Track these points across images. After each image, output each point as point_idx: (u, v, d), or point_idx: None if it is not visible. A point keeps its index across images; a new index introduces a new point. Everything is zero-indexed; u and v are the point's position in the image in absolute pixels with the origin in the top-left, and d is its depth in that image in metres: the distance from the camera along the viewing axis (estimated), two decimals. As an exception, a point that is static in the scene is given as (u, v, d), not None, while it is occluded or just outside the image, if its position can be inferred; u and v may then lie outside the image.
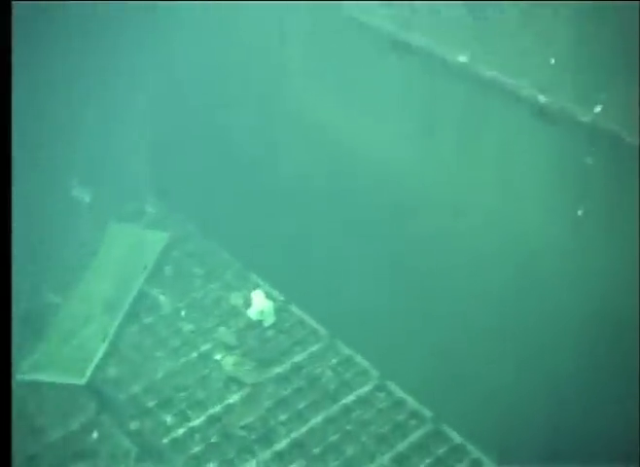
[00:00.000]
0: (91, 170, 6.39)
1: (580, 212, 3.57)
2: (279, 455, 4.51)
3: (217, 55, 5.25)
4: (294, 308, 5.38)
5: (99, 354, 4.96)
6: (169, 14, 5.41)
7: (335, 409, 4.75)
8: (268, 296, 5.41)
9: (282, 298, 5.44)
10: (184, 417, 4.69)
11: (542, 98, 3.54)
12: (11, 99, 3.61)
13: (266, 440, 4.58)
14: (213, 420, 4.68)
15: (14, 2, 3.86)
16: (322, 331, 5.22)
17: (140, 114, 6.04)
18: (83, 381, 4.81)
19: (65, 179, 6.22)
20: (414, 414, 4.72)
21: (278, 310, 5.36)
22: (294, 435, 4.60)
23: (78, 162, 6.35)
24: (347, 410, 4.76)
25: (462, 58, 3.78)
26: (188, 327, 5.25)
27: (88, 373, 4.85)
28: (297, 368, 5.01)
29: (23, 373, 4.85)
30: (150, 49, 5.59)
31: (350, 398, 4.82)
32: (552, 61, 3.47)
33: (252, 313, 5.31)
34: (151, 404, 4.75)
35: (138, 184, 6.32)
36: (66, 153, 6.12)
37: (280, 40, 4.74)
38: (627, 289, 3.50)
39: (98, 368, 4.91)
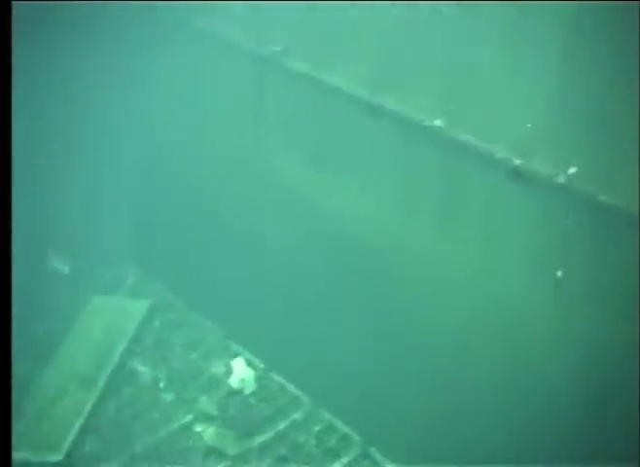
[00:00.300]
0: (70, 239, 6.36)
1: (559, 273, 3.56)
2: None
3: (196, 118, 5.26)
4: (275, 376, 5.30)
5: (75, 430, 4.82)
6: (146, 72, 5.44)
7: (319, 478, 4.65)
8: (249, 364, 5.34)
9: (263, 365, 5.36)
10: (164, 493, 4.57)
11: (517, 161, 3.57)
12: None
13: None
14: (195, 495, 4.57)
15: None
16: (304, 398, 5.13)
17: (122, 179, 6.04)
18: (59, 458, 4.68)
19: (43, 249, 6.18)
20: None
21: (259, 378, 5.28)
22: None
23: (56, 232, 6.32)
24: (332, 478, 4.65)
25: (438, 122, 3.81)
26: (168, 397, 5.14)
27: (65, 449, 4.71)
28: (279, 436, 4.89)
29: (-3, 450, 4.70)
30: (131, 111, 5.61)
31: (335, 466, 4.72)
32: (529, 126, 3.50)
33: (233, 382, 5.23)
34: (129, 480, 4.63)
35: (118, 252, 6.28)
36: (44, 222, 6.11)
37: (256, 106, 4.77)
38: (609, 351, 3.48)
39: (75, 444, 4.78)
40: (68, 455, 4.70)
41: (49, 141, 5.68)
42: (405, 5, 3.75)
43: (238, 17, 4.53)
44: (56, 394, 5.03)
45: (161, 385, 5.23)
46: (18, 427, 4.83)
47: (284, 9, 4.27)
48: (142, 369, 5.33)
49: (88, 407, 4.97)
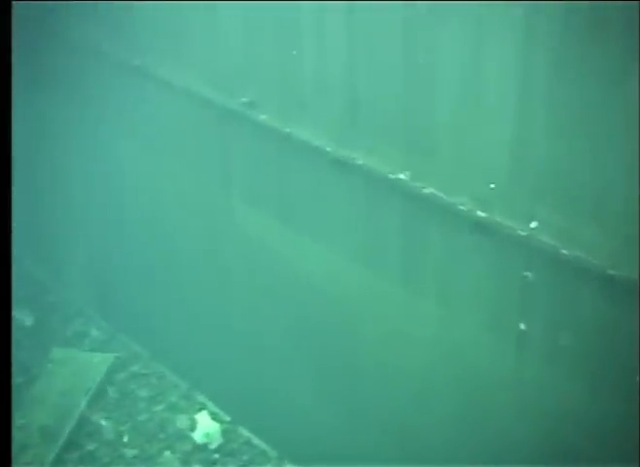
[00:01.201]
0: (34, 291, 6.30)
1: (522, 326, 3.58)
2: None
3: (162, 167, 5.25)
4: (241, 429, 5.23)
5: (34, 487, 4.73)
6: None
7: None
8: (215, 417, 5.28)
9: (228, 418, 5.30)
10: None
11: (480, 213, 3.60)
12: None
13: None
14: None
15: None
16: (270, 452, 5.07)
17: (86, 228, 6.01)
18: (16, 515, 4.56)
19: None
20: None
21: (225, 432, 5.22)
22: None
23: (19, 282, 6.25)
24: None
25: (402, 176, 3.84)
26: (131, 452, 5.06)
27: (23, 507, 4.61)
28: (244, 495, 4.84)
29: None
30: (97, 158, 5.61)
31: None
32: (492, 186, 3.54)
33: (198, 436, 5.16)
34: None
35: (82, 304, 6.22)
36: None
37: (221, 158, 4.78)
38: (568, 405, 3.49)
39: (36, 500, 4.69)
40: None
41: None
42: (370, 58, 3.80)
43: (202, 66, 4.56)
44: (19, 447, 4.95)
45: (125, 440, 5.15)
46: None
47: (251, 59, 4.31)
48: (105, 423, 5.24)
49: (49, 461, 4.89)
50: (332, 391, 4.62)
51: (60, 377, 5.48)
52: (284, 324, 4.74)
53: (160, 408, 5.39)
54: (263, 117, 4.35)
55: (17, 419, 5.14)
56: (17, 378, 5.48)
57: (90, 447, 5.09)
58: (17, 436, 5.00)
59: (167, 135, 5.05)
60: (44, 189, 6.20)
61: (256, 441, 5.14)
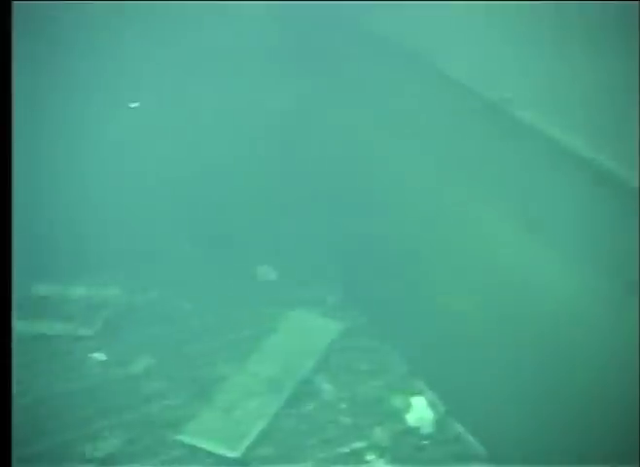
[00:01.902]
0: (279, 250, 6.70)
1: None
2: None
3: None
4: (454, 422, 5.25)
5: (256, 431, 5.05)
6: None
7: None
8: (430, 404, 5.33)
9: (443, 409, 5.33)
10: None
11: None
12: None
13: None
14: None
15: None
16: (481, 450, 5.04)
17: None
18: (236, 455, 4.91)
19: (252, 256, 6.55)
20: None
21: (437, 421, 5.25)
22: None
23: (266, 241, 6.67)
24: None
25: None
26: (345, 420, 5.24)
27: (243, 448, 4.94)
28: (450, 486, 4.87)
29: (184, 434, 5.03)
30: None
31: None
32: None
33: (410, 419, 5.25)
34: (294, 491, 4.78)
35: (323, 270, 6.52)
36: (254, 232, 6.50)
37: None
38: None
39: (252, 444, 5.00)
40: (244, 454, 4.93)
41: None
42: None
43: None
44: (246, 393, 5.30)
45: (342, 407, 5.35)
46: (209, 414, 5.16)
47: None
48: (327, 387, 5.48)
49: (272, 412, 5.18)
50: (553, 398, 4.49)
51: (292, 336, 5.79)
52: (509, 326, 4.68)
53: (378, 383, 5.53)
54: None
55: (249, 366, 5.52)
56: (253, 329, 5.92)
57: (309, 407, 5.33)
58: (248, 383, 5.37)
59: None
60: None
61: (467, 437, 5.13)
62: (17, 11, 4.13)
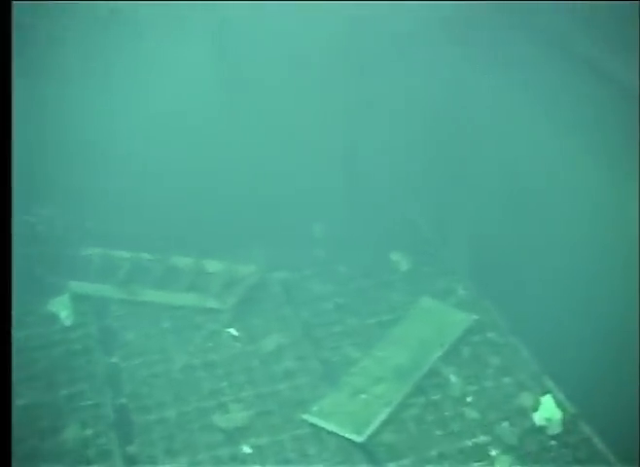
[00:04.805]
0: (415, 239, 6.72)
1: None
2: None
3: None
4: (583, 425, 5.13)
5: (382, 417, 5.09)
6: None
7: None
8: (559, 405, 5.22)
9: (573, 410, 5.22)
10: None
11: None
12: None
13: None
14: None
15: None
16: (609, 456, 4.90)
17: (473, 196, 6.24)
18: (360, 439, 4.97)
19: (387, 243, 6.59)
20: None
21: (566, 422, 5.14)
22: None
23: (401, 228, 6.71)
24: None
25: None
26: (472, 414, 5.21)
27: (368, 432, 4.99)
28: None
29: (311, 414, 5.14)
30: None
31: None
32: None
33: (538, 418, 5.16)
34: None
35: (455, 261, 6.49)
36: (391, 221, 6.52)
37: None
38: None
39: (377, 430, 5.05)
40: (369, 439, 4.98)
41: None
42: None
43: None
44: (373, 379, 5.35)
45: (468, 400, 5.32)
46: (336, 396, 5.25)
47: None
48: (454, 379, 5.45)
49: (398, 399, 5.21)
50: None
51: (423, 325, 5.79)
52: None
53: (507, 380, 5.46)
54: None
55: (377, 352, 5.57)
56: (383, 315, 5.97)
57: (435, 397, 5.32)
58: (376, 368, 5.43)
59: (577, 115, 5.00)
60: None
61: (596, 440, 5.01)
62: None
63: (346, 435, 5.00)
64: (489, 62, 5.73)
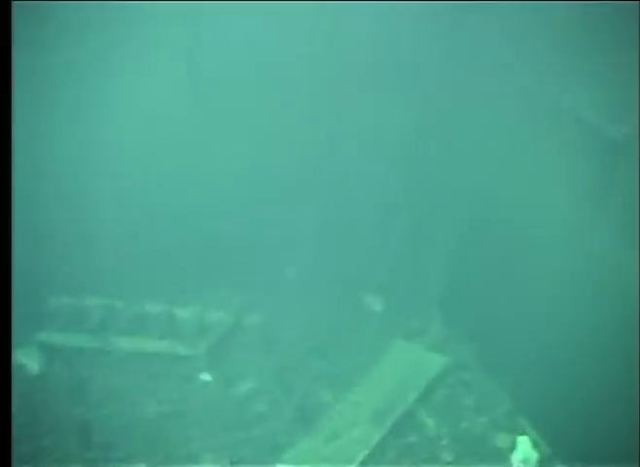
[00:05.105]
0: (387, 278, 6.69)
1: None
2: None
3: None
4: (559, 465, 5.11)
5: (359, 460, 5.04)
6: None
7: None
8: (535, 445, 5.21)
9: (548, 451, 5.20)
10: None
11: None
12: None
13: None
14: None
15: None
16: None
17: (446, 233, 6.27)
18: (337, 485, 4.91)
19: (359, 287, 6.57)
20: None
21: (542, 462, 5.12)
22: None
23: (372, 269, 6.69)
24: None
25: None
26: (447, 457, 5.18)
27: (346, 476, 4.94)
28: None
29: (285, 462, 5.06)
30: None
31: None
32: None
33: (515, 459, 5.14)
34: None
35: (428, 300, 6.48)
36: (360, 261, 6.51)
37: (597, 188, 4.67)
38: None
39: (355, 473, 4.99)
40: (346, 485, 4.93)
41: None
42: None
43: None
44: (350, 421, 5.30)
45: (444, 442, 5.28)
46: (311, 442, 5.18)
47: None
48: (429, 421, 5.42)
49: (374, 442, 5.17)
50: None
51: (397, 367, 5.76)
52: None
53: (483, 420, 5.45)
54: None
55: (352, 396, 5.52)
56: (357, 358, 5.92)
57: (411, 439, 5.29)
58: (352, 412, 5.37)
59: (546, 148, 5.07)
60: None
61: (572, 479, 4.99)
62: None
63: (326, 479, 4.95)
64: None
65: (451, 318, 6.26)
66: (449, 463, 5.14)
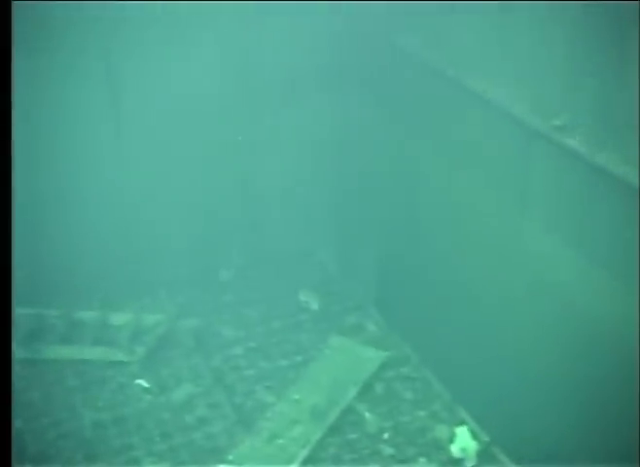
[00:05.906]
0: (323, 278, 6.71)
1: None
2: None
3: (460, 178, 5.33)
4: (498, 453, 5.19)
5: (299, 459, 5.03)
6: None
7: None
8: (474, 435, 5.28)
9: (487, 439, 5.28)
10: None
11: None
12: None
13: None
14: None
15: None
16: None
17: (378, 229, 6.30)
18: (279, 485, 4.90)
19: (295, 283, 6.57)
20: None
21: (481, 452, 5.20)
22: None
23: (311, 269, 6.70)
24: None
25: None
26: (388, 451, 5.21)
27: (288, 474, 4.93)
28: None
29: (227, 463, 5.03)
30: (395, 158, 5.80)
31: None
32: None
33: (454, 450, 5.20)
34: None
35: (364, 297, 6.51)
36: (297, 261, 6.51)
37: (521, 184, 4.75)
38: None
39: (296, 472, 4.99)
40: (288, 484, 4.92)
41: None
42: None
43: (521, 85, 4.56)
44: (289, 422, 5.29)
45: (385, 436, 5.31)
46: (252, 442, 5.16)
47: (570, 82, 4.24)
48: (369, 416, 5.45)
49: (315, 440, 5.18)
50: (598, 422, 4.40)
51: (335, 364, 5.77)
52: (557, 352, 4.63)
53: (422, 413, 5.50)
54: (572, 142, 4.29)
55: (292, 394, 5.51)
56: (295, 357, 5.92)
57: (352, 436, 5.31)
58: (291, 411, 5.37)
59: (470, 146, 5.13)
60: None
61: (511, 467, 5.07)
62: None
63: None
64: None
65: (388, 314, 6.30)
66: (392, 456, 5.17)
